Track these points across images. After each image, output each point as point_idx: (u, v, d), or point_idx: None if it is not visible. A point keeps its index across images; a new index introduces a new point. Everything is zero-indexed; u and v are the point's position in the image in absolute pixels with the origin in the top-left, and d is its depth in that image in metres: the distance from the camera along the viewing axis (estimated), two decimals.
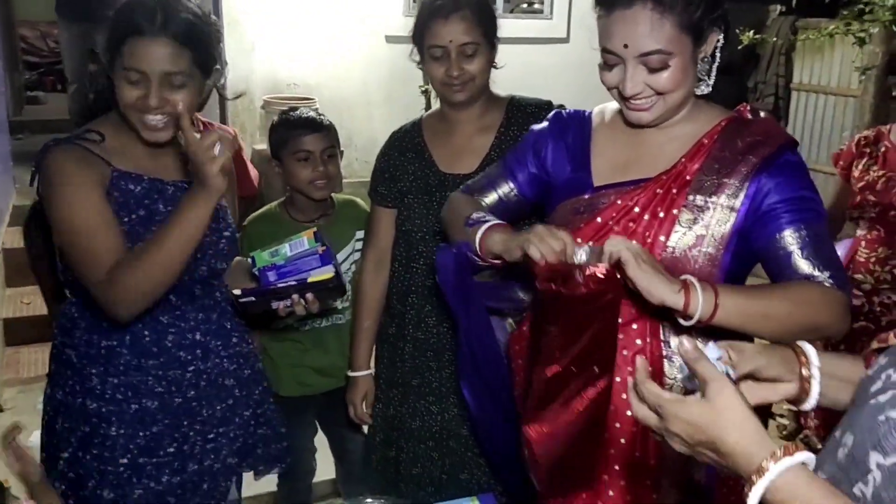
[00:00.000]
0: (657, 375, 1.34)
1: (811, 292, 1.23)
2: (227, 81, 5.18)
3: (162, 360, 1.59)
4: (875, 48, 4.87)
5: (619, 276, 1.19)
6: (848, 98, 5.55)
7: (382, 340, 2.04)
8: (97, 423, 1.57)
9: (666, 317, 1.28)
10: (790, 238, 1.27)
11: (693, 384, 0.91)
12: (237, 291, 1.63)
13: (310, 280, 1.65)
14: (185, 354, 1.61)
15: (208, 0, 4.79)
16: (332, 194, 2.22)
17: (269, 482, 2.31)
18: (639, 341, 1.35)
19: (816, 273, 1.25)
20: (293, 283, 1.64)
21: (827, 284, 1.24)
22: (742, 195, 1.30)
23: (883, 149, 2.58)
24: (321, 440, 2.43)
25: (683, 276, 1.19)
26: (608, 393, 1.30)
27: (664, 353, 1.35)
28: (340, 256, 2.15)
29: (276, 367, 2.20)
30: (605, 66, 1.34)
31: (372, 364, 2.10)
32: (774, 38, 5.16)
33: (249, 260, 1.71)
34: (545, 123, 1.56)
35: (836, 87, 5.67)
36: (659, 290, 1.15)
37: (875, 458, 0.80)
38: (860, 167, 2.61)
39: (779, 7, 5.75)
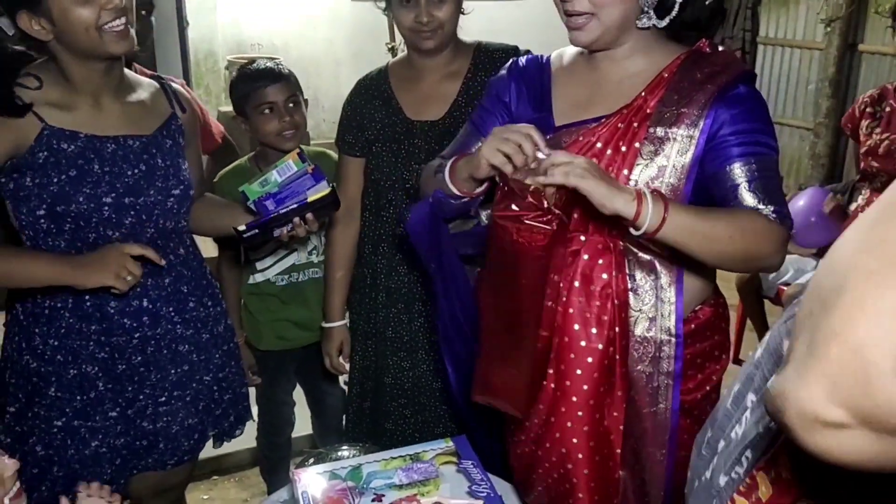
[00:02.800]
0: (622, 308, 1.36)
1: (755, 222, 1.27)
2: (189, 41, 5.06)
3: (104, 326, 1.56)
4: (839, 1, 4.92)
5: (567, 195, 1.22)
6: (813, 51, 5.60)
7: (356, 291, 2.05)
8: (37, 383, 1.56)
9: (617, 225, 1.32)
10: (739, 170, 1.29)
11: None
12: (241, 227, 1.59)
13: (310, 199, 1.63)
14: (129, 321, 1.58)
15: None
16: (304, 147, 2.19)
17: (249, 436, 2.32)
18: (605, 275, 1.37)
19: (761, 206, 1.28)
20: (294, 206, 1.63)
21: (771, 217, 1.28)
22: (701, 124, 1.31)
23: (888, 108, 2.38)
24: (299, 395, 2.44)
25: (636, 187, 1.21)
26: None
27: (629, 286, 1.37)
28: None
29: (256, 322, 2.21)
30: None
31: (347, 315, 2.10)
32: None
33: (241, 196, 1.69)
34: (503, 72, 1.56)
35: (802, 41, 5.72)
36: (612, 199, 1.19)
37: (750, 397, 0.82)
38: (863, 130, 2.42)
39: None
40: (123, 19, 1.44)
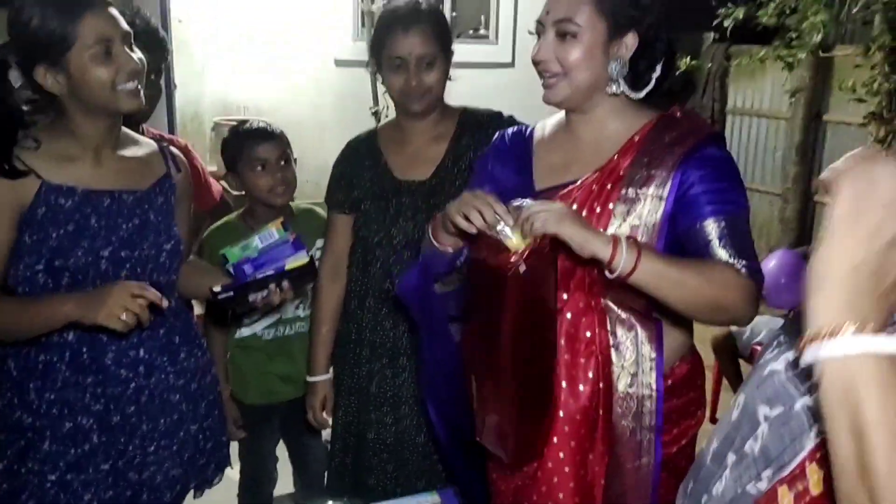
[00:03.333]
0: (606, 364, 1.41)
1: (725, 274, 1.32)
2: (176, 103, 5.16)
3: (100, 378, 1.58)
4: (803, 72, 5.15)
5: (546, 244, 1.27)
6: (779, 120, 5.82)
7: (340, 345, 2.08)
8: (31, 438, 1.56)
9: (596, 283, 1.38)
10: (710, 227, 1.35)
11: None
12: (216, 288, 1.63)
13: (287, 267, 1.67)
14: (125, 372, 1.60)
15: (157, 18, 4.79)
16: (292, 204, 2.26)
17: (230, 492, 2.31)
18: (588, 333, 1.42)
19: (732, 261, 1.33)
20: (271, 272, 1.66)
21: (742, 271, 1.33)
22: (669, 184, 1.38)
23: None
24: (281, 451, 2.44)
25: (612, 233, 1.28)
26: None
27: (611, 342, 1.42)
28: None
29: (242, 376, 2.23)
30: (537, 39, 1.45)
31: (331, 370, 2.13)
32: (710, 65, 5.40)
33: (221, 258, 1.73)
34: (489, 146, 1.66)
35: (768, 110, 5.96)
36: (589, 242, 1.25)
37: (763, 410, 0.86)
38: None
39: (713, 34, 6.01)
40: (136, 81, 1.52)
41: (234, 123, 4.94)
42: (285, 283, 1.69)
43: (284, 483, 2.51)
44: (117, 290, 1.46)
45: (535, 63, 1.44)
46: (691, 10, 6.65)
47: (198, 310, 2.33)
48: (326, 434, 2.23)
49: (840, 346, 0.66)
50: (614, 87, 1.43)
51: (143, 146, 1.69)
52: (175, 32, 4.91)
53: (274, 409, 2.26)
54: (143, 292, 1.46)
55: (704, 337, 4.40)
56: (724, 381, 3.72)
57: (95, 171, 1.57)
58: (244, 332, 2.18)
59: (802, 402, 0.81)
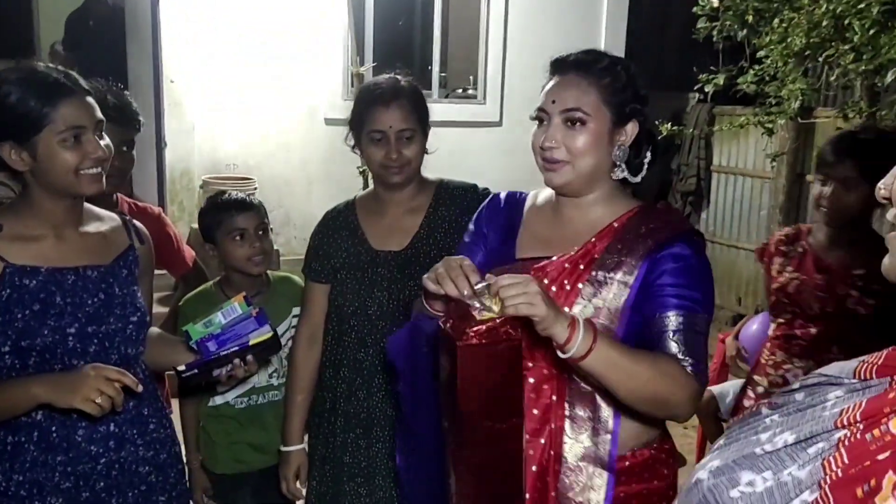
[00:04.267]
0: (559, 433, 1.43)
1: (674, 369, 1.34)
2: (166, 160, 5.22)
3: (71, 456, 1.57)
4: (785, 134, 5.24)
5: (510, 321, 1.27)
6: (764, 180, 5.91)
7: (315, 415, 2.07)
8: None
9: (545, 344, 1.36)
10: (668, 320, 1.38)
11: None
12: (181, 367, 1.64)
13: (251, 342, 1.68)
14: (95, 448, 1.59)
15: (150, 81, 4.88)
16: (269, 272, 2.28)
17: None
18: (546, 400, 1.44)
19: (681, 357, 1.36)
20: (235, 348, 1.67)
21: (688, 370, 1.36)
22: (636, 273, 1.41)
23: (801, 249, 2.47)
24: None
25: (574, 315, 1.29)
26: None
27: (567, 412, 1.44)
28: (280, 329, 2.18)
29: (213, 445, 2.21)
30: (538, 125, 1.49)
31: (306, 439, 2.12)
32: (691, 130, 5.49)
33: (183, 335, 1.74)
34: (484, 206, 1.68)
35: (753, 170, 6.05)
36: (552, 324, 1.25)
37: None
38: (776, 267, 2.51)
39: (697, 95, 6.14)
40: (100, 167, 1.55)
41: (222, 180, 5.01)
42: (249, 357, 1.69)
43: None
44: (92, 375, 1.46)
45: (541, 149, 1.47)
46: (675, 71, 6.81)
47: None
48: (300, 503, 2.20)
49: None
50: (617, 172, 1.49)
51: (106, 221, 1.71)
52: (167, 92, 5.02)
53: (245, 478, 2.24)
54: (120, 377, 1.47)
55: None
56: (709, 444, 3.69)
57: (59, 249, 1.58)
58: (217, 400, 2.17)
59: None
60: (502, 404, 1.29)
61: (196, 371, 1.66)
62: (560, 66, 1.48)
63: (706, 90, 4.37)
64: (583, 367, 1.28)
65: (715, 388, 3.54)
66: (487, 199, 1.69)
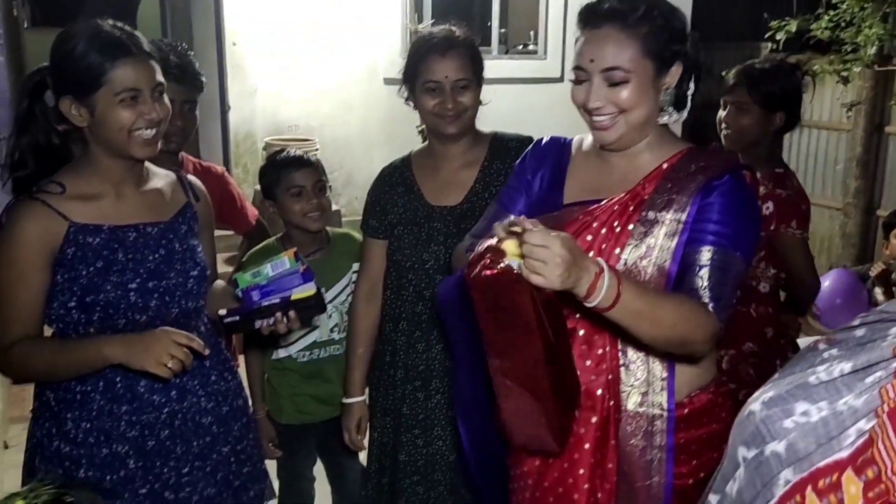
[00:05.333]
0: (615, 381, 1.42)
1: (696, 312, 1.31)
2: (230, 123, 5.33)
3: (135, 406, 1.62)
4: (862, 84, 5.00)
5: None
6: (840, 132, 5.66)
7: (376, 367, 2.11)
8: (69, 466, 1.60)
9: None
10: (701, 254, 1.36)
11: None
12: (222, 312, 1.68)
13: (293, 297, 1.69)
14: (158, 398, 1.64)
15: (213, 45, 4.96)
16: (329, 228, 2.31)
17: None
18: (600, 350, 1.43)
19: (704, 294, 1.33)
20: (277, 300, 1.69)
21: (710, 307, 1.33)
22: (688, 209, 1.38)
23: None
24: (320, 471, 2.47)
25: (599, 267, 1.22)
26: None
27: (621, 361, 1.43)
28: (337, 288, 2.23)
29: (278, 396, 2.28)
30: (576, 83, 1.44)
31: (367, 392, 2.16)
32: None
33: (233, 282, 1.77)
34: (528, 151, 1.66)
35: (828, 122, 5.79)
36: (570, 283, 1.19)
37: (742, 451, 0.86)
38: None
39: (770, 45, 5.90)
40: (154, 130, 1.57)
41: (284, 142, 5.10)
42: (291, 313, 1.71)
43: (325, 502, 2.55)
44: (163, 338, 1.51)
45: (586, 110, 1.43)
46: (747, 21, 6.55)
47: None
48: (363, 456, 2.26)
49: None
50: (665, 117, 1.45)
51: (162, 178, 1.75)
52: (229, 55, 5.10)
53: (310, 428, 2.30)
54: (190, 342, 1.52)
55: None
56: None
57: (119, 207, 1.62)
58: (280, 353, 2.23)
59: (771, 448, 0.80)
60: (514, 325, 1.28)
61: (238, 318, 1.68)
62: (592, 19, 1.41)
63: (778, 38, 4.19)
64: (607, 316, 1.26)
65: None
66: (532, 145, 1.66)
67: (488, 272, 1.22)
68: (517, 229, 1.21)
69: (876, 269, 3.38)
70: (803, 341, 3.47)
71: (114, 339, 1.54)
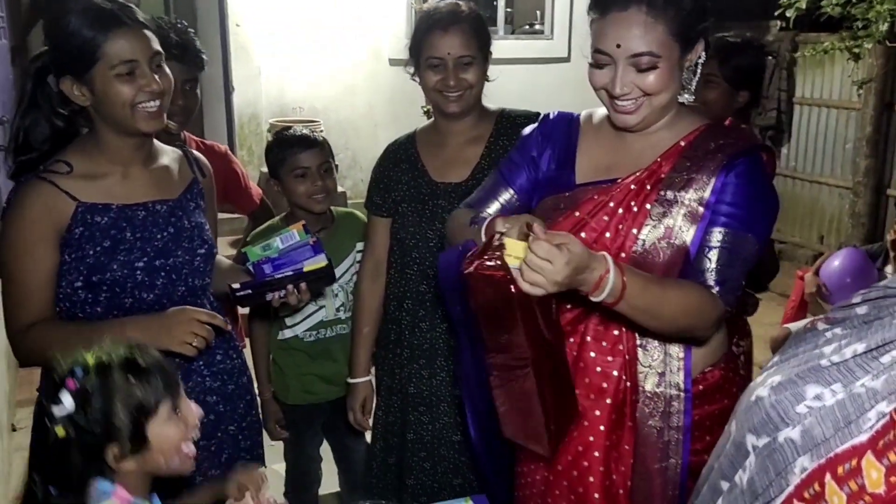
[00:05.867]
0: (632, 363, 1.40)
1: (701, 300, 1.30)
2: (234, 105, 5.30)
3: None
4: (873, 61, 4.92)
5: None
6: (850, 111, 5.58)
7: (381, 347, 2.10)
8: None
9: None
10: (713, 235, 1.34)
11: None
12: (235, 285, 1.66)
13: (305, 269, 1.69)
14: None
15: (216, 26, 4.92)
16: (333, 208, 2.29)
17: (277, 490, 2.34)
18: (616, 332, 1.41)
19: (710, 276, 1.32)
20: (290, 272, 1.68)
21: (714, 290, 1.31)
22: (709, 189, 1.36)
23: None
24: (327, 451, 2.47)
25: (606, 266, 1.20)
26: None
27: (638, 342, 1.41)
28: (342, 268, 2.21)
29: (284, 376, 2.27)
30: (596, 66, 1.39)
31: (373, 371, 2.15)
32: (771, 57, 5.20)
33: (242, 256, 1.76)
34: (534, 127, 1.62)
35: (838, 101, 5.71)
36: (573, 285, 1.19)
37: (750, 439, 0.84)
38: None
39: (779, 23, 5.82)
40: (158, 101, 1.54)
41: (289, 123, 5.07)
42: (303, 285, 1.70)
43: (332, 483, 2.55)
44: (185, 318, 1.51)
45: (610, 95, 1.39)
46: None
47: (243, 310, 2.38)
48: (369, 436, 2.25)
49: None
50: (685, 95, 1.43)
51: (168, 154, 1.73)
52: (233, 37, 5.06)
53: (316, 409, 2.30)
54: (212, 319, 1.52)
55: (759, 333, 4.28)
56: None
57: (127, 185, 1.60)
58: (286, 333, 2.22)
59: (785, 435, 0.78)
60: (504, 325, 1.28)
61: (250, 291, 1.67)
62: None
63: (788, 15, 4.12)
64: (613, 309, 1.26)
65: (792, 326, 3.42)
66: (539, 121, 1.61)
67: (485, 270, 1.21)
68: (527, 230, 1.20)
69: (891, 235, 3.33)
70: (804, 323, 3.44)
71: (136, 321, 1.53)
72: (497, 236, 1.22)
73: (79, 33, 1.48)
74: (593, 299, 1.22)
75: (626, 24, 1.32)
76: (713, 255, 1.33)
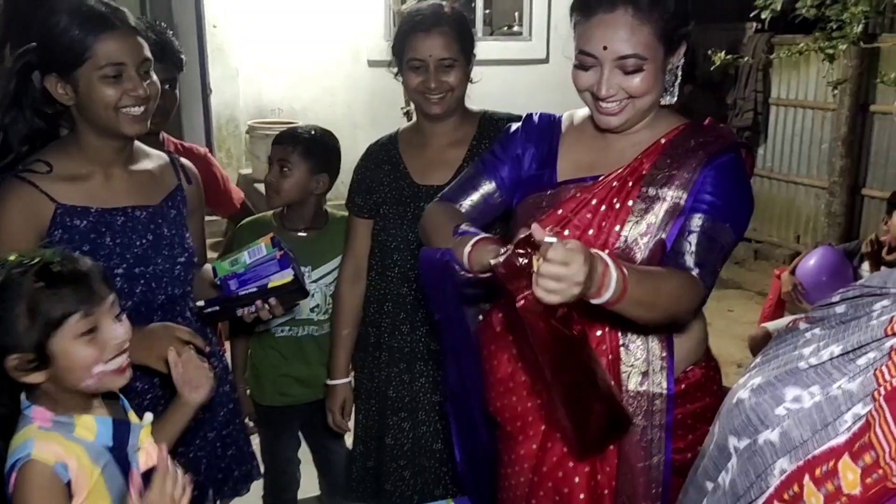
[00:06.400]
0: (615, 362, 1.41)
1: (685, 285, 1.31)
2: (212, 107, 5.25)
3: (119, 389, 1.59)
4: (848, 62, 4.98)
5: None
6: (825, 111, 5.66)
7: (360, 349, 2.08)
8: None
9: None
10: (692, 221, 1.35)
11: None
12: (200, 303, 1.64)
13: (270, 286, 1.65)
14: (141, 384, 1.61)
15: (193, 27, 4.87)
16: (331, 210, 2.27)
17: (256, 495, 2.33)
18: (599, 332, 1.41)
19: (690, 259, 1.33)
20: (254, 289, 1.65)
21: (695, 276, 1.32)
22: (690, 186, 1.37)
23: None
24: (306, 454, 2.45)
25: (605, 269, 1.17)
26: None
27: (621, 341, 1.41)
28: (325, 268, 2.19)
29: (259, 376, 2.25)
30: (581, 68, 1.39)
31: (352, 373, 2.14)
32: (747, 58, 5.24)
33: (211, 271, 1.74)
34: (517, 125, 1.62)
35: (813, 102, 5.79)
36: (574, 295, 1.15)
37: (732, 441, 0.85)
38: None
39: (754, 25, 5.87)
40: (143, 107, 1.53)
41: (267, 125, 5.03)
42: (272, 300, 1.67)
43: (313, 486, 2.53)
44: (166, 334, 1.49)
45: (595, 96, 1.39)
46: (734, 0, 6.51)
47: None
48: (349, 439, 2.23)
49: None
50: (667, 98, 1.43)
51: (154, 159, 1.70)
52: (210, 38, 5.02)
53: (292, 411, 2.28)
54: (193, 339, 1.50)
55: (737, 332, 4.32)
56: None
57: (107, 188, 1.58)
58: (259, 327, 2.18)
59: (765, 437, 0.78)
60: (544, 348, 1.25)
61: (217, 308, 1.65)
62: (603, 1, 1.34)
63: (763, 17, 4.16)
64: (610, 309, 1.22)
65: (770, 325, 3.47)
66: (522, 121, 1.62)
67: (521, 302, 1.15)
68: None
69: (873, 237, 3.38)
70: (791, 319, 3.48)
71: None
72: (521, 261, 1.16)
73: (69, 32, 1.46)
74: (596, 301, 1.17)
75: (613, 26, 1.32)
76: (693, 238, 1.34)
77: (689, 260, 1.33)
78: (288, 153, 2.16)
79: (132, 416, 1.39)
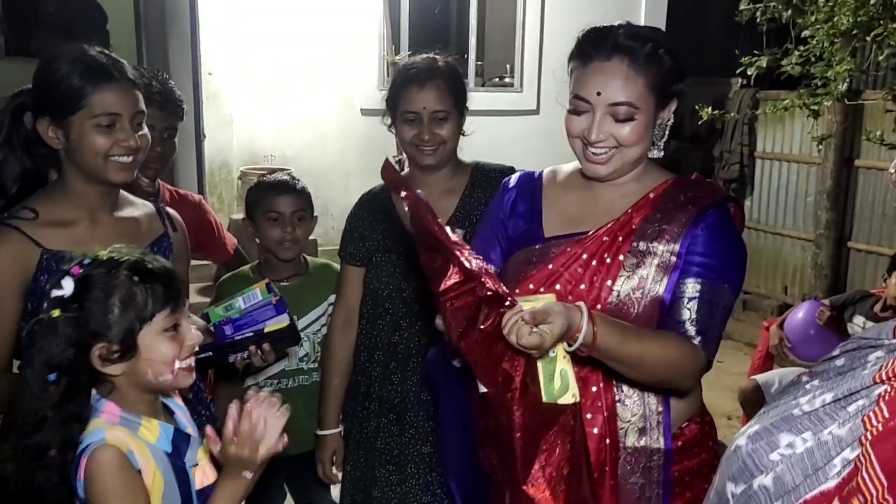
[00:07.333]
0: (612, 419, 1.39)
1: (682, 352, 1.31)
2: (205, 152, 5.26)
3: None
4: (832, 118, 5.09)
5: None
6: (810, 165, 5.75)
7: (350, 399, 2.06)
8: None
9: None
10: (687, 286, 1.36)
11: None
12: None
13: (266, 330, 1.66)
14: None
15: (188, 74, 4.92)
16: (308, 257, 2.28)
17: None
18: (594, 388, 1.40)
19: (691, 327, 1.34)
20: (250, 334, 1.65)
21: (695, 341, 1.33)
22: (681, 240, 1.38)
23: None
24: None
25: (581, 318, 1.22)
26: None
27: (617, 397, 1.40)
28: (312, 316, 2.19)
29: None
30: (574, 113, 1.42)
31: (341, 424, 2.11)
32: (734, 114, 5.35)
33: (204, 317, 1.73)
34: (497, 194, 1.64)
35: (798, 155, 5.88)
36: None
37: (730, 487, 0.85)
38: None
39: (740, 80, 6.00)
40: (132, 157, 1.55)
41: (260, 171, 5.05)
42: (265, 346, 1.67)
43: None
44: None
45: (585, 143, 1.41)
46: (719, 57, 6.67)
47: None
48: (337, 489, 2.20)
49: None
50: (654, 151, 1.46)
51: (140, 207, 1.71)
52: (205, 85, 5.06)
53: (278, 463, 2.23)
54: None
55: (732, 386, 4.31)
56: None
57: (93, 234, 1.58)
58: (248, 381, 2.17)
59: (759, 482, 0.79)
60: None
61: (211, 354, 1.64)
62: (600, 49, 1.37)
63: (749, 73, 4.26)
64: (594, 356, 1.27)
65: (760, 377, 3.47)
66: (501, 187, 1.64)
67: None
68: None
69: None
70: (780, 372, 3.48)
71: None
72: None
73: (68, 79, 1.49)
74: (569, 348, 1.23)
75: (609, 73, 1.36)
76: (693, 305, 1.34)
77: (691, 329, 1.34)
78: (301, 203, 2.19)
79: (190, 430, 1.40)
